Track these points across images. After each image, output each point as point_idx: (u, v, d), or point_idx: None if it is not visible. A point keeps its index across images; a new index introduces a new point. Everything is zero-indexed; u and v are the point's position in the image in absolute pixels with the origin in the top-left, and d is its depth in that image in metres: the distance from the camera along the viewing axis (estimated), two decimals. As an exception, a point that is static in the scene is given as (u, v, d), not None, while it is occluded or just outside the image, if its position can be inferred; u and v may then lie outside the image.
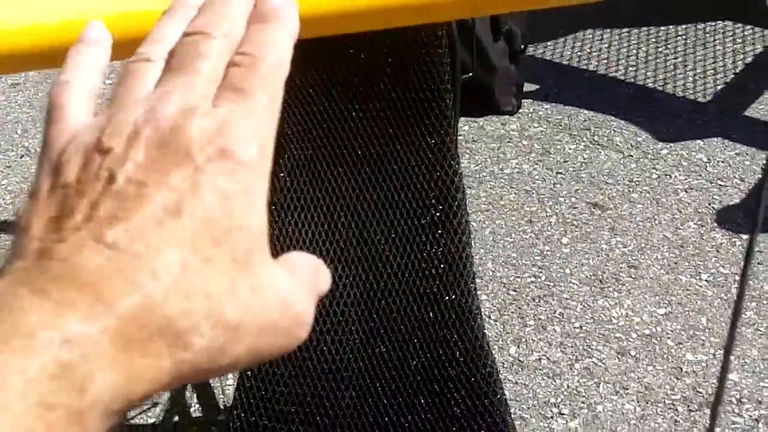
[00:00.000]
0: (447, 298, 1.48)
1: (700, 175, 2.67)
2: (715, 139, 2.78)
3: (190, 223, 0.31)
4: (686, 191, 2.61)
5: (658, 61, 3.28)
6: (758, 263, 2.26)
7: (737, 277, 2.26)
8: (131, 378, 0.28)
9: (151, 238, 0.30)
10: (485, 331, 1.56)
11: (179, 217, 0.30)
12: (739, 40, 3.34)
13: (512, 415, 1.54)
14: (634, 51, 3.35)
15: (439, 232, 1.46)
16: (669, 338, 2.11)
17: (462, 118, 2.86)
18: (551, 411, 1.93)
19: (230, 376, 1.85)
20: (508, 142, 2.87)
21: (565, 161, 2.76)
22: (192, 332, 0.29)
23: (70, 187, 0.32)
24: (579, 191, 2.62)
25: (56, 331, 0.27)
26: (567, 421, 1.91)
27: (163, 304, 0.29)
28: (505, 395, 1.55)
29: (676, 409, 1.93)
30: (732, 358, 2.01)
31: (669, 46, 3.36)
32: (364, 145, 1.35)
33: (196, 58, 0.34)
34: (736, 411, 1.90)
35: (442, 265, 1.47)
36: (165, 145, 0.31)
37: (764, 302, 2.17)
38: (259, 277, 0.32)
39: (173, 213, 0.30)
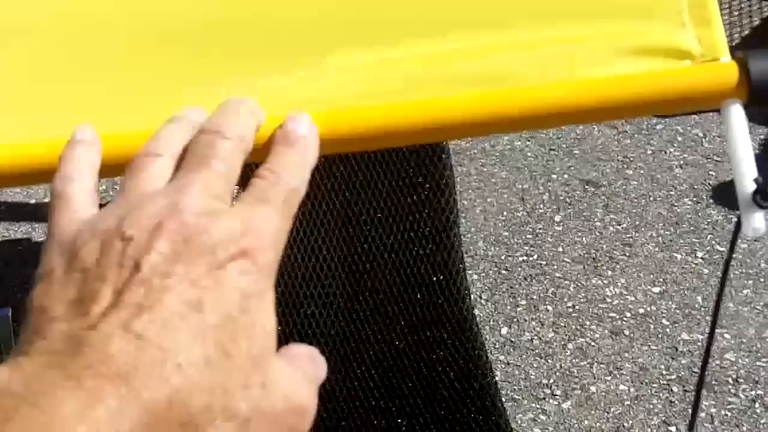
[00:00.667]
0: (435, 278, 1.44)
1: (695, 151, 2.63)
2: (711, 114, 2.73)
3: (211, 319, 0.32)
4: (681, 167, 2.56)
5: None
6: (754, 240, 2.22)
7: (733, 256, 2.22)
8: None
9: (176, 331, 0.31)
10: (474, 312, 1.52)
11: (202, 312, 0.32)
12: (736, 13, 3.29)
13: (503, 399, 1.51)
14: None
15: (427, 211, 1.41)
16: (664, 317, 2.07)
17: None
18: (543, 392, 1.90)
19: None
20: (501, 118, 2.81)
21: (558, 137, 2.71)
22: (208, 426, 0.31)
23: (89, 271, 0.33)
24: (572, 168, 2.58)
25: (92, 426, 0.28)
26: (560, 402, 1.87)
27: (187, 399, 0.30)
28: (495, 378, 1.51)
29: (671, 390, 1.89)
30: (728, 336, 1.97)
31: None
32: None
33: (211, 155, 0.37)
34: (733, 391, 1.86)
35: (429, 246, 1.43)
36: (190, 241, 0.33)
37: (761, 280, 2.13)
38: (269, 374, 0.33)
39: (196, 308, 0.32)
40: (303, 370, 0.36)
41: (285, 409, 0.34)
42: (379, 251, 1.43)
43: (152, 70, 0.58)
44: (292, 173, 0.38)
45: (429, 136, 0.52)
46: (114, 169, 0.43)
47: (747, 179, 0.45)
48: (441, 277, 1.45)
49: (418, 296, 1.47)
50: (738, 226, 0.46)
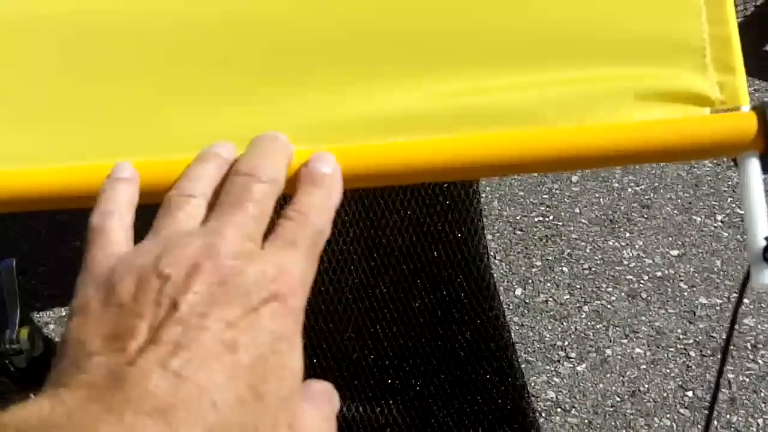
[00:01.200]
0: (452, 236, 1.40)
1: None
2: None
3: (245, 360, 0.33)
4: (701, 129, 2.50)
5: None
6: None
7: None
8: None
9: (212, 371, 0.32)
10: (492, 272, 1.48)
11: (236, 353, 0.33)
12: None
13: (519, 359, 1.47)
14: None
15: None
16: (682, 281, 2.03)
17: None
18: (558, 354, 1.87)
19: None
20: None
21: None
22: None
23: (126, 307, 0.34)
24: (590, 128, 2.52)
25: None
26: (574, 364, 1.85)
27: None
28: (511, 338, 1.48)
29: (688, 354, 1.86)
30: (747, 301, 1.93)
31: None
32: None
33: (246, 198, 0.38)
34: (751, 357, 1.83)
35: (447, 202, 1.39)
36: (225, 283, 0.34)
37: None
38: (295, 415, 0.35)
39: (231, 348, 0.33)
40: (323, 411, 0.37)
41: None
42: (395, 207, 1.39)
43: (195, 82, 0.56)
44: (318, 214, 0.39)
45: (439, 176, 0.51)
46: (149, 196, 0.44)
47: (759, 235, 0.44)
48: (459, 235, 1.41)
49: (435, 254, 1.44)
50: (744, 283, 0.47)
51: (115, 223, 0.40)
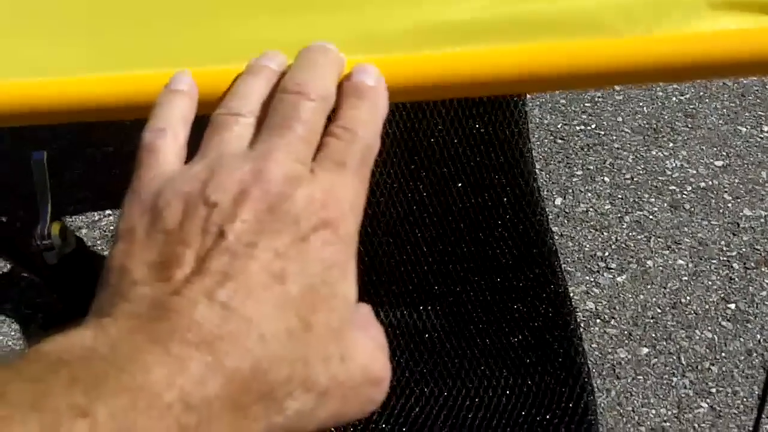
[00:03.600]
0: (495, 139, 1.35)
1: (766, 20, 2.47)
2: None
3: (293, 289, 0.32)
4: (749, 38, 2.41)
5: None
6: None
7: (804, 129, 2.11)
8: None
9: (259, 302, 0.31)
10: (536, 176, 1.44)
11: (284, 283, 0.32)
12: None
13: (562, 267, 1.44)
14: None
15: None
16: (726, 192, 1.97)
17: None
18: (598, 265, 1.83)
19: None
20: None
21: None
22: (288, 398, 0.31)
23: (172, 234, 0.33)
24: (634, 35, 2.44)
25: (177, 393, 0.28)
26: (614, 275, 1.81)
27: (268, 370, 0.31)
28: (554, 245, 1.44)
29: (732, 267, 1.82)
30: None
31: None
32: None
33: (294, 118, 0.36)
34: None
35: (491, 103, 1.34)
36: (273, 210, 0.33)
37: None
38: (347, 346, 0.34)
39: (279, 278, 0.32)
40: (375, 338, 0.36)
41: (362, 381, 0.34)
42: (437, 108, 1.34)
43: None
44: (366, 128, 0.38)
45: (500, 88, 0.47)
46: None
47: None
48: (503, 137, 1.36)
49: (478, 158, 1.39)
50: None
51: (167, 142, 0.38)
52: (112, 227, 1.97)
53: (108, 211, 2.01)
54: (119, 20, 0.52)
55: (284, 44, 0.43)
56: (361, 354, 0.34)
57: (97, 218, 2.00)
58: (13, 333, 1.81)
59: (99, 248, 1.93)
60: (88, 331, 0.30)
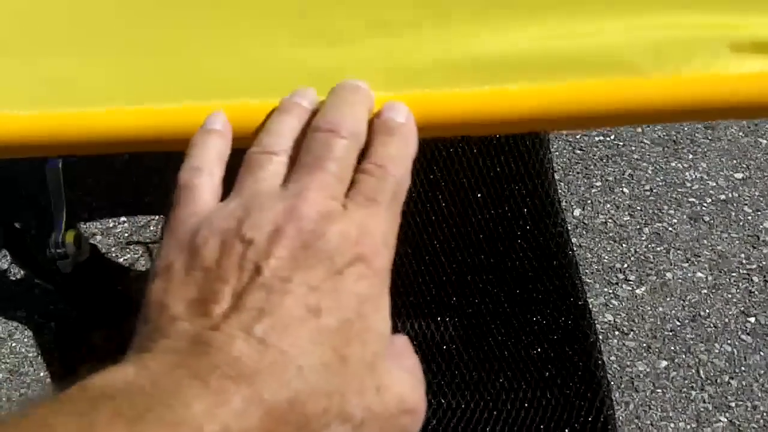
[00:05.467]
0: (515, 149, 1.34)
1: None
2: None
3: (329, 323, 0.33)
4: (769, 49, 2.39)
5: None
6: None
7: (825, 141, 2.09)
8: None
9: (295, 336, 0.32)
10: (556, 187, 1.42)
11: (320, 317, 0.33)
12: None
13: (581, 278, 1.42)
14: None
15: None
16: (746, 204, 1.95)
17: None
18: (617, 277, 1.81)
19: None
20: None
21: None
22: (324, 430, 0.31)
23: (210, 271, 0.34)
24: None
25: (219, 427, 0.29)
26: (633, 287, 1.79)
27: (306, 403, 0.31)
28: (575, 257, 1.43)
29: (751, 280, 1.80)
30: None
31: None
32: None
33: (326, 156, 0.37)
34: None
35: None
36: (308, 247, 0.34)
37: None
38: (382, 378, 0.34)
39: (315, 312, 0.33)
40: (410, 370, 0.37)
41: (397, 412, 0.34)
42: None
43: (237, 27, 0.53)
44: (396, 164, 0.38)
45: (528, 126, 0.48)
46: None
47: None
48: (522, 147, 1.35)
49: (498, 168, 1.38)
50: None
51: (203, 180, 0.39)
52: (126, 234, 1.97)
53: (123, 219, 2.01)
54: (148, 49, 0.52)
55: (315, 76, 0.45)
56: (396, 385, 0.35)
57: (111, 225, 2.00)
58: (26, 340, 1.81)
59: (113, 256, 1.93)
60: (130, 367, 0.31)
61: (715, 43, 0.48)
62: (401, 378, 0.36)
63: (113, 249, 1.95)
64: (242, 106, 0.45)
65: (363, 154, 0.39)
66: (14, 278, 1.89)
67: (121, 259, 1.92)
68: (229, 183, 0.40)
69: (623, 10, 0.50)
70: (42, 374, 1.75)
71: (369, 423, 0.33)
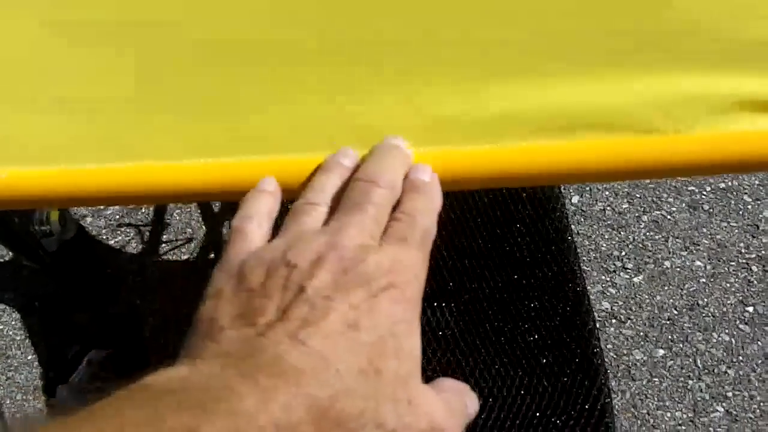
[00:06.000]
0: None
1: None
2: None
3: (365, 338, 0.36)
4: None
5: None
6: None
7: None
8: None
9: (335, 344, 0.35)
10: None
11: (358, 331, 0.36)
12: None
13: (580, 264, 1.40)
14: None
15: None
16: (746, 193, 1.94)
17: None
18: (614, 264, 1.79)
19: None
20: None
21: None
22: (360, 430, 0.33)
23: (255, 291, 0.38)
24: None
25: (270, 417, 0.32)
26: (631, 275, 1.77)
27: (344, 401, 0.34)
28: (573, 243, 1.41)
29: (750, 269, 1.78)
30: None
31: None
32: None
33: (366, 201, 0.42)
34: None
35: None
36: (347, 272, 0.38)
37: None
38: (414, 394, 0.36)
39: (353, 327, 0.36)
40: (447, 400, 0.39)
41: (428, 428, 0.36)
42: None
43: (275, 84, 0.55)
44: (423, 215, 0.42)
45: (540, 181, 0.51)
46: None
47: None
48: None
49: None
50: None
51: (253, 227, 0.43)
52: (117, 216, 1.94)
53: (114, 201, 1.98)
54: (193, 107, 0.55)
55: (352, 133, 0.50)
56: (428, 404, 0.37)
57: (102, 207, 1.97)
58: (14, 323, 1.78)
59: (104, 238, 1.90)
60: (184, 368, 0.35)
61: (726, 102, 0.50)
62: (434, 400, 0.38)
63: (104, 231, 1.92)
64: (287, 161, 0.49)
65: (395, 209, 0.43)
66: (1, 260, 1.87)
67: (111, 241, 1.89)
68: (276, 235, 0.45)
69: (632, 70, 0.52)
70: (30, 357, 1.73)
71: None
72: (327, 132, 0.51)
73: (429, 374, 1.30)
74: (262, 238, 0.43)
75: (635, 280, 1.77)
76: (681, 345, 1.67)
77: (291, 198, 0.47)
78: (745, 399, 1.61)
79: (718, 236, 1.85)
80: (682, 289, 1.75)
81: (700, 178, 1.97)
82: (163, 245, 1.87)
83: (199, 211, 1.87)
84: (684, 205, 1.91)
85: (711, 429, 1.57)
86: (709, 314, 1.72)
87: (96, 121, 0.54)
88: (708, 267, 1.79)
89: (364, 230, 0.40)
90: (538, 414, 1.33)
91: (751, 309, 1.72)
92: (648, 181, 1.96)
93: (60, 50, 0.58)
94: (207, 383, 0.33)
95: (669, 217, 1.89)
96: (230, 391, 0.32)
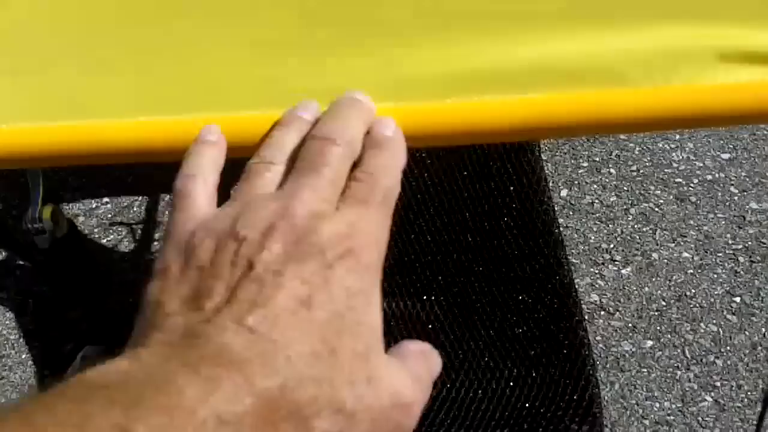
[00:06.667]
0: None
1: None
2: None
3: (319, 315, 0.34)
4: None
5: None
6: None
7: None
8: None
9: (286, 326, 0.33)
10: (543, 164, 1.41)
11: (310, 309, 0.34)
12: None
13: (567, 257, 1.42)
14: None
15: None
16: (732, 185, 1.95)
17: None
18: (603, 257, 1.81)
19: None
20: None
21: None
22: (316, 418, 0.32)
23: (204, 270, 0.35)
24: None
25: (211, 410, 0.30)
26: (619, 267, 1.79)
27: (295, 389, 0.32)
28: (561, 235, 1.42)
29: (737, 260, 1.80)
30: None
31: None
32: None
33: (321, 162, 0.39)
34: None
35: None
36: (299, 242, 0.35)
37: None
38: (374, 370, 0.35)
39: (305, 304, 0.34)
40: (411, 369, 0.37)
41: (390, 405, 0.35)
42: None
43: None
44: (385, 173, 0.40)
45: (513, 136, 0.49)
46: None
47: None
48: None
49: (484, 147, 1.37)
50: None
51: (198, 187, 0.41)
52: (109, 215, 1.95)
53: (105, 199, 1.99)
54: (148, 62, 0.54)
55: (313, 89, 0.47)
56: (390, 379, 0.35)
57: (94, 206, 1.98)
58: (8, 323, 1.79)
59: (96, 236, 1.91)
60: (124, 360, 0.32)
61: (704, 54, 0.49)
62: (397, 373, 0.36)
63: (96, 230, 1.93)
64: (244, 118, 0.46)
65: (355, 166, 0.41)
66: (-4, 259, 1.88)
67: (104, 240, 1.90)
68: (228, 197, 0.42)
69: (613, 23, 0.51)
70: (24, 356, 1.74)
71: (361, 414, 0.33)
72: (288, 87, 0.50)
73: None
74: (208, 199, 0.40)
75: (624, 272, 1.79)
76: (669, 336, 1.69)
77: (246, 158, 0.45)
78: (733, 388, 1.62)
79: (705, 228, 1.86)
80: (669, 281, 1.77)
81: (684, 164, 1.99)
82: (155, 243, 1.88)
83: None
84: (671, 197, 1.93)
85: (699, 418, 1.59)
86: (697, 305, 1.73)
87: (48, 79, 0.53)
88: (695, 258, 1.81)
89: (319, 194, 0.38)
90: (527, 405, 1.35)
91: (738, 299, 1.74)
92: (635, 173, 1.98)
93: (9, 7, 0.57)
94: (146, 376, 0.31)
95: (657, 209, 1.90)
96: (169, 384, 0.30)
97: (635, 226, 1.87)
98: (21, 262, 1.81)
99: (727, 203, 1.91)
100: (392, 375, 0.36)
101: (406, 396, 0.36)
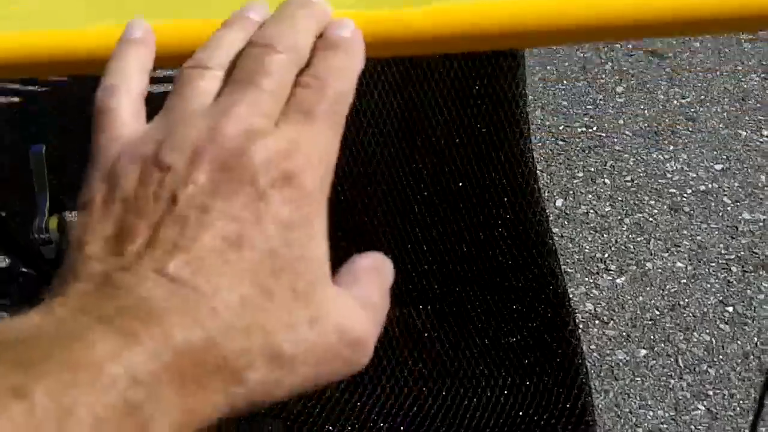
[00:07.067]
0: (496, 138, 1.35)
1: (767, 25, 2.47)
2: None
3: (250, 256, 0.30)
4: (750, 42, 2.42)
5: None
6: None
7: (804, 134, 2.11)
8: (186, 414, 0.28)
9: (211, 272, 0.30)
10: (536, 175, 1.44)
11: (240, 249, 0.30)
12: None
13: (561, 267, 1.44)
14: None
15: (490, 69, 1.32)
16: (725, 195, 1.98)
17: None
18: (597, 266, 1.83)
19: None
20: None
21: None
22: (247, 369, 0.29)
23: (128, 202, 0.32)
24: (635, 38, 2.44)
25: (123, 368, 0.27)
26: (614, 277, 1.81)
27: (222, 342, 0.29)
28: (554, 245, 1.44)
29: (730, 270, 1.82)
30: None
31: None
32: None
33: (261, 72, 0.34)
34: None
35: (490, 96, 1.34)
36: (229, 169, 0.31)
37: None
38: (318, 307, 0.31)
39: (234, 244, 0.30)
40: (363, 293, 0.34)
41: (338, 343, 0.32)
42: (434, 99, 1.34)
43: None
44: (338, 76, 0.35)
45: (483, 44, 0.45)
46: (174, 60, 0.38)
47: None
48: (503, 135, 1.37)
49: (480, 157, 1.39)
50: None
51: (121, 99, 0.35)
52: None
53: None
54: None
55: None
56: (337, 314, 0.32)
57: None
58: (11, 328, 1.80)
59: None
60: (37, 314, 0.29)
61: None
62: (346, 306, 0.33)
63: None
64: (183, 23, 0.42)
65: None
66: (-2, 266, 1.90)
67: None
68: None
69: None
70: (26, 362, 1.76)
71: (303, 358, 0.30)
72: None
73: (416, 376, 1.33)
74: (134, 112, 0.35)
75: (618, 281, 1.81)
76: (663, 345, 1.71)
77: None
78: (726, 397, 1.64)
79: (699, 238, 1.89)
80: (663, 290, 1.79)
81: (678, 175, 2.01)
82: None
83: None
84: (665, 207, 1.95)
85: (692, 427, 1.61)
86: (690, 314, 1.75)
87: None
88: (689, 268, 1.83)
89: (256, 109, 0.33)
90: (521, 413, 1.37)
91: (731, 309, 1.76)
92: (630, 184, 2.00)
93: None
94: (57, 331, 0.28)
95: (650, 219, 1.93)
96: (80, 340, 0.27)
97: (629, 235, 1.89)
98: (24, 270, 1.83)
99: (720, 213, 1.94)
100: (340, 309, 0.32)
101: (356, 330, 0.32)
